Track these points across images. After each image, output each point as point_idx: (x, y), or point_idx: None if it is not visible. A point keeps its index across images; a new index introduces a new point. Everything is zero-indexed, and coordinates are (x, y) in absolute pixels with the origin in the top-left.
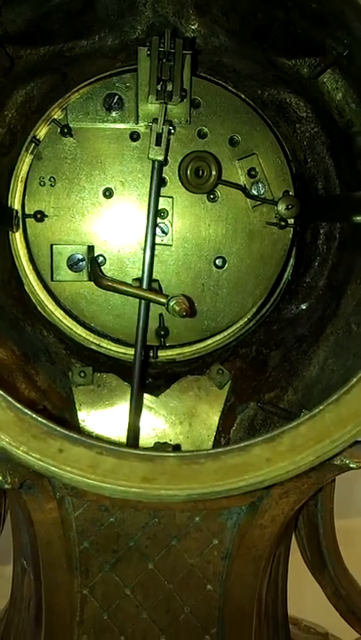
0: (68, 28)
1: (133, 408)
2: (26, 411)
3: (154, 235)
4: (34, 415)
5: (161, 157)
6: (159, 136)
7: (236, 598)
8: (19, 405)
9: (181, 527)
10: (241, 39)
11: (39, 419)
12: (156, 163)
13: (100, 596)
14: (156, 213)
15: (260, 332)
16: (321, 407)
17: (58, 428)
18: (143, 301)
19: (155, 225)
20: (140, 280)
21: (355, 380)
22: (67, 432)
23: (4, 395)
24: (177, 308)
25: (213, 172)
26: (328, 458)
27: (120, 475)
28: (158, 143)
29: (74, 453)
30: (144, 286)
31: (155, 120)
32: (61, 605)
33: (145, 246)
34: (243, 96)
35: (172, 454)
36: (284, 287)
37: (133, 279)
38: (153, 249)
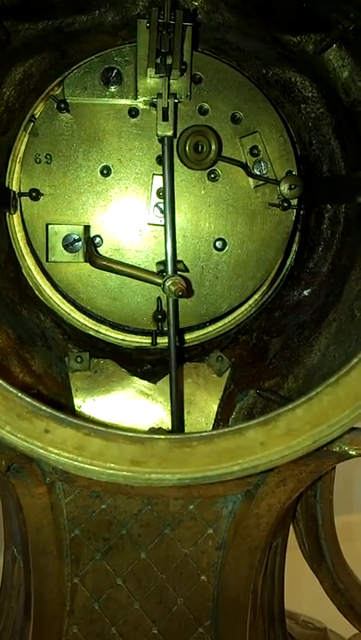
0: (68, 1)
1: (174, 394)
2: (10, 389)
3: (173, 217)
4: (19, 394)
5: (170, 133)
6: (165, 110)
7: (231, 590)
8: (3, 383)
9: (175, 515)
10: (245, 15)
11: (24, 397)
12: (166, 139)
13: (91, 585)
14: (173, 195)
15: (261, 319)
16: (319, 389)
17: (43, 408)
18: (167, 296)
19: (173, 207)
20: (164, 264)
21: (354, 361)
22: (53, 412)
23: None
24: (173, 288)
25: (213, 147)
26: (326, 443)
27: (108, 457)
28: (165, 118)
29: (60, 434)
30: (169, 271)
31: (159, 95)
32: (51, 594)
33: (165, 230)
34: (246, 74)
35: (162, 436)
36: (287, 273)
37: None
38: (174, 232)
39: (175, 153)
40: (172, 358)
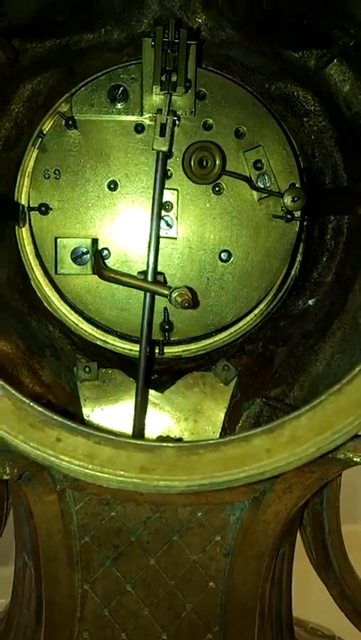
0: (74, 20)
1: (138, 404)
2: (24, 399)
3: (158, 227)
4: (31, 404)
5: (165, 148)
6: (163, 126)
7: (239, 596)
8: (16, 394)
9: (183, 522)
10: (247, 31)
11: (37, 407)
12: (161, 154)
13: (101, 591)
14: (161, 206)
15: (266, 329)
16: (323, 397)
17: (55, 417)
18: (148, 295)
19: (159, 217)
20: (144, 273)
21: (357, 369)
22: (65, 421)
23: (2, 382)
24: (179, 300)
25: (217, 162)
26: (330, 450)
27: (118, 465)
28: (162, 134)
29: (71, 443)
30: (149, 279)
31: (159, 111)
32: (62, 600)
33: (150, 239)
34: (250, 89)
35: (170, 444)
36: (292, 283)
37: (138, 272)
38: (158, 242)
39: (180, 167)
40: (142, 365)
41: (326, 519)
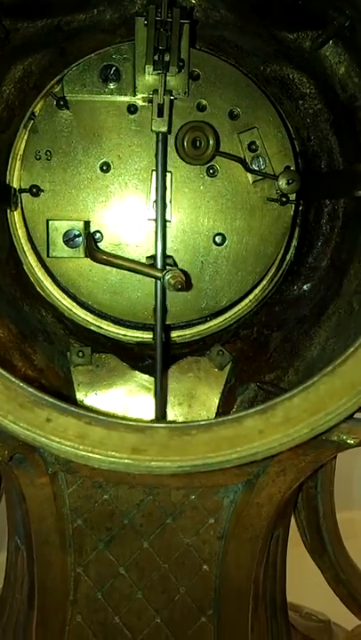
0: (66, 0)
1: (159, 390)
2: (13, 379)
3: (164, 211)
4: (21, 384)
5: (164, 129)
6: (161, 107)
7: (233, 579)
8: (5, 374)
9: (177, 505)
10: (242, 12)
11: (26, 387)
12: (160, 135)
13: (94, 574)
14: (165, 188)
15: (261, 314)
16: (316, 378)
17: (46, 397)
18: (159, 283)
19: (164, 201)
20: (153, 258)
21: (350, 350)
22: (55, 401)
23: None
24: (172, 282)
25: (211, 142)
26: (323, 431)
27: (109, 445)
28: (160, 114)
29: (62, 423)
30: (158, 265)
31: (155, 91)
32: (54, 584)
33: (156, 223)
34: (244, 71)
35: (162, 425)
36: (287, 268)
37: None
38: (164, 225)
39: (173, 148)
40: (158, 353)
41: (321, 503)
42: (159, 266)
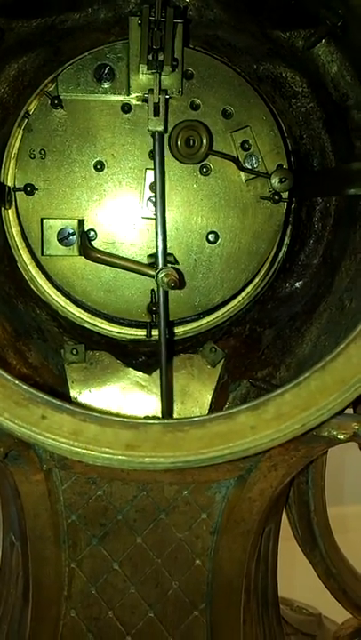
0: None
1: (164, 387)
2: (8, 377)
3: (164, 210)
4: (16, 382)
5: (161, 128)
6: (156, 106)
7: (225, 574)
8: (1, 372)
9: (170, 501)
10: (235, 11)
11: (22, 385)
12: (157, 134)
13: (88, 570)
14: (164, 187)
15: (253, 311)
16: (307, 375)
17: (41, 395)
18: (160, 287)
19: (163, 200)
20: (155, 256)
21: (341, 347)
22: (50, 399)
23: None
24: (165, 280)
25: (204, 141)
26: (314, 427)
27: (103, 442)
28: (156, 113)
29: (57, 420)
30: (160, 263)
31: (150, 91)
32: (49, 579)
33: (156, 222)
34: (238, 70)
35: (156, 421)
36: (279, 266)
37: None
38: (164, 224)
39: (167, 147)
40: (163, 351)
41: (312, 498)
42: (160, 264)
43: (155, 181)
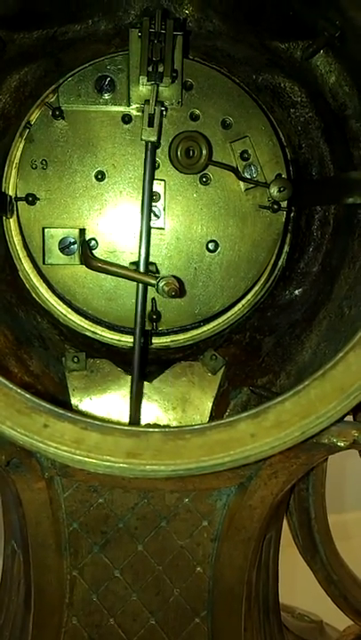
0: (61, 11)
1: (134, 395)
2: (10, 386)
3: (149, 218)
4: (19, 390)
5: (154, 138)
6: (151, 117)
7: (226, 581)
8: (3, 380)
9: (171, 508)
10: (234, 23)
11: (24, 394)
12: (150, 144)
13: (90, 577)
14: (151, 196)
15: (253, 319)
16: (306, 383)
17: (43, 404)
18: (140, 286)
19: (150, 208)
20: (136, 264)
21: (340, 355)
22: (52, 407)
23: None
24: (166, 289)
25: (204, 152)
26: (314, 434)
27: (105, 450)
28: (151, 124)
29: (58, 429)
30: (141, 270)
31: (146, 101)
32: (50, 587)
33: (141, 230)
34: (237, 80)
35: (156, 430)
36: (279, 274)
37: (130, 263)
38: (149, 233)
39: (167, 158)
40: (136, 357)
41: (312, 505)
42: (141, 269)
43: (143, 189)
